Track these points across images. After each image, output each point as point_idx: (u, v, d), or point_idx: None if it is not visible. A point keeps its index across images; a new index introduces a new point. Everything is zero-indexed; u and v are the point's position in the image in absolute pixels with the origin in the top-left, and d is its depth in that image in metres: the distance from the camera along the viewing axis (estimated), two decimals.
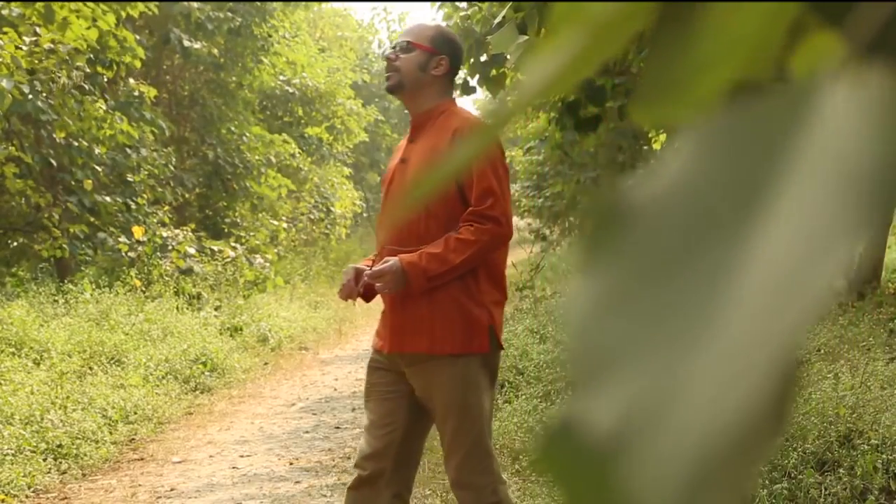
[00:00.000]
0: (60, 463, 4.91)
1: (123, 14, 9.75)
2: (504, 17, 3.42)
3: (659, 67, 0.31)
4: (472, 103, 39.47)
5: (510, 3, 3.44)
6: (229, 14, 13.10)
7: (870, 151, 0.24)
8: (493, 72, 8.08)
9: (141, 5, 10.04)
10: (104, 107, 9.44)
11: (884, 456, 3.76)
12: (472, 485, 2.69)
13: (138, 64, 10.16)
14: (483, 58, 8.09)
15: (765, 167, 0.25)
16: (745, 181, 0.25)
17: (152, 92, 11.01)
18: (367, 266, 2.78)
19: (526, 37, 2.96)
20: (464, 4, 8.07)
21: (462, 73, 9.41)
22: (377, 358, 2.86)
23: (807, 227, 0.23)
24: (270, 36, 14.11)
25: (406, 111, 2.87)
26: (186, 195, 13.34)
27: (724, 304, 0.24)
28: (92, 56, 9.42)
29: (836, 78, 0.26)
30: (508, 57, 2.96)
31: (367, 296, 2.83)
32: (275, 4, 14.42)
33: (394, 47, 2.76)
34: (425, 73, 2.73)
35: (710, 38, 0.30)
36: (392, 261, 2.64)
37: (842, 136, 0.25)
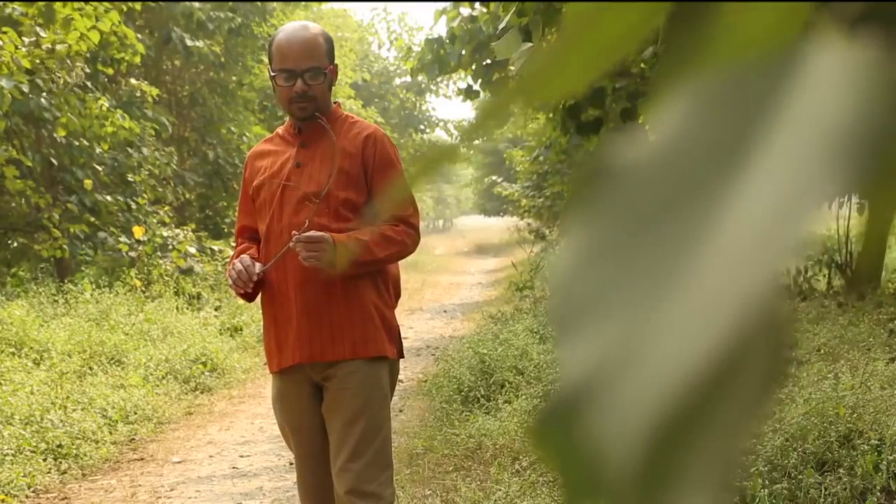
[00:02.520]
0: (60, 463, 4.91)
1: (125, 8, 9.76)
2: (508, 22, 3.41)
3: (671, 71, 0.31)
4: (472, 104, 39.46)
5: (514, 9, 3.43)
6: (229, 14, 13.11)
7: (847, 111, 0.24)
8: (496, 75, 8.08)
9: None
10: (106, 104, 9.45)
11: (884, 456, 3.76)
12: (374, 495, 2.62)
13: (138, 60, 10.17)
14: (486, 62, 8.10)
15: (748, 126, 0.25)
16: (729, 140, 0.25)
17: (154, 91, 11.02)
18: (256, 258, 2.66)
19: (530, 43, 2.95)
20: (466, 11, 8.07)
21: (464, 76, 9.43)
22: (282, 386, 2.74)
23: (783, 181, 0.24)
24: (270, 36, 14.12)
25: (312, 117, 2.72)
26: (187, 195, 13.34)
27: (698, 255, 0.24)
28: (89, 56, 9.43)
29: (822, 45, 0.27)
30: (512, 68, 2.95)
31: (252, 294, 2.70)
32: (274, 4, 14.43)
33: (299, 75, 2.63)
34: (330, 90, 2.74)
35: (722, 41, 0.30)
36: (321, 233, 2.54)
37: (823, 97, 0.25)
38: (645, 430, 0.23)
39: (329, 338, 2.65)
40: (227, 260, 12.09)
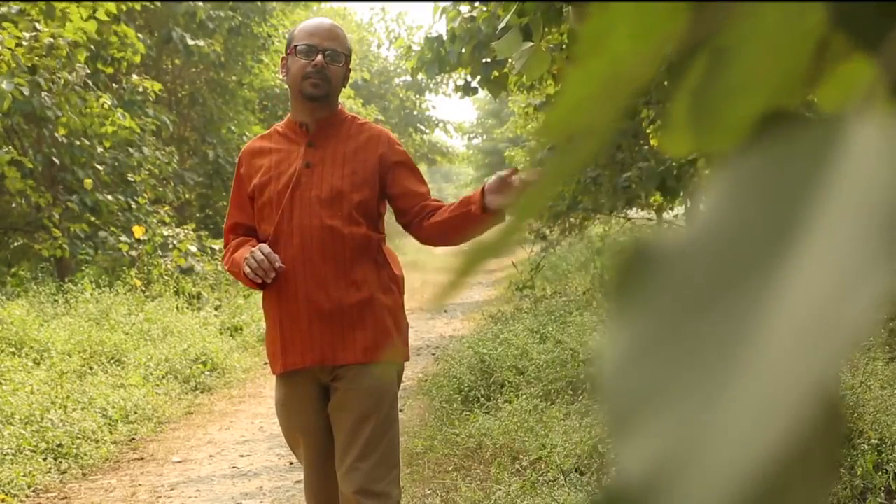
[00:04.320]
0: (60, 462, 4.91)
1: (124, 8, 9.78)
2: (508, 22, 3.41)
3: (687, 96, 0.31)
4: (472, 104, 39.46)
5: (514, 9, 3.43)
6: (230, 13, 13.11)
7: (893, 184, 0.24)
8: (495, 73, 8.07)
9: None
10: (107, 103, 9.45)
11: (884, 456, 3.76)
12: (383, 494, 2.60)
13: (138, 59, 10.18)
14: (485, 60, 8.10)
15: (794, 207, 0.25)
16: (775, 222, 0.25)
17: (157, 86, 11.01)
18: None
19: (531, 42, 2.95)
20: (465, 8, 8.07)
21: (463, 74, 9.43)
22: (288, 388, 2.70)
23: (836, 266, 0.23)
24: (270, 36, 14.12)
25: (312, 114, 2.70)
26: (187, 194, 13.35)
27: (753, 346, 0.23)
28: (93, 49, 9.43)
29: (864, 113, 0.26)
30: (516, 65, 2.95)
31: (265, 283, 2.62)
32: (274, 4, 14.43)
33: (321, 51, 2.65)
34: (343, 84, 2.73)
35: (738, 65, 0.30)
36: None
37: (870, 173, 0.24)
38: None
39: (340, 343, 2.62)
40: (223, 254, 12.04)
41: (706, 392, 0.23)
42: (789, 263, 0.24)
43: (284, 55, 2.73)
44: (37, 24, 8.65)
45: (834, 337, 0.22)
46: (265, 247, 2.58)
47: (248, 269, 2.56)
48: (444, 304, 0.35)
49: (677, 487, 0.23)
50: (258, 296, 2.79)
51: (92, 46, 9.30)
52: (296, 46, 2.67)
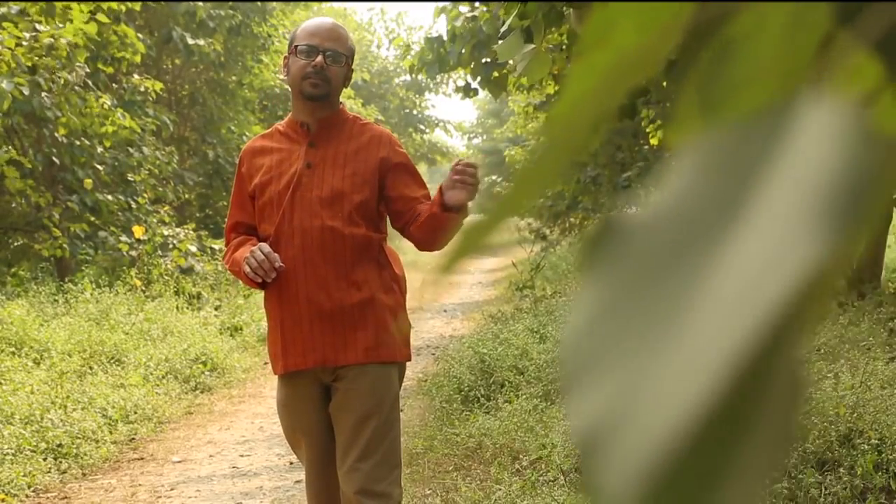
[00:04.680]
0: (60, 462, 4.91)
1: (124, 8, 9.79)
2: (509, 25, 3.41)
3: (693, 90, 0.31)
4: (472, 104, 39.42)
5: (515, 11, 3.44)
6: (230, 12, 13.11)
7: (833, 168, 0.25)
8: (495, 74, 8.07)
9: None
10: (107, 103, 9.46)
11: (884, 456, 3.76)
12: (384, 494, 2.60)
13: (138, 59, 10.18)
14: (485, 60, 8.09)
15: (744, 184, 0.27)
16: (728, 197, 0.27)
17: (158, 85, 11.02)
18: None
19: (532, 45, 2.95)
20: (465, 8, 8.07)
21: (463, 74, 9.43)
22: (289, 389, 2.69)
23: (774, 237, 0.25)
24: (270, 36, 14.12)
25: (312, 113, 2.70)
26: (187, 194, 13.36)
27: (692, 310, 0.25)
28: (93, 49, 9.44)
29: (815, 99, 0.27)
30: (518, 68, 2.95)
31: (265, 282, 2.61)
32: (274, 4, 14.43)
33: (321, 52, 2.64)
34: (344, 84, 2.72)
35: (744, 58, 0.30)
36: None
37: (814, 155, 0.26)
38: (639, 481, 0.23)
39: (342, 343, 2.62)
40: (223, 253, 12.02)
41: (646, 354, 0.25)
42: (734, 235, 0.26)
43: (286, 55, 2.73)
44: (37, 25, 8.66)
45: (765, 299, 0.24)
46: (265, 246, 2.57)
47: (248, 269, 2.56)
48: (432, 301, 0.35)
49: (616, 438, 0.24)
50: (258, 296, 2.79)
51: (92, 46, 9.30)
52: (296, 46, 2.67)
